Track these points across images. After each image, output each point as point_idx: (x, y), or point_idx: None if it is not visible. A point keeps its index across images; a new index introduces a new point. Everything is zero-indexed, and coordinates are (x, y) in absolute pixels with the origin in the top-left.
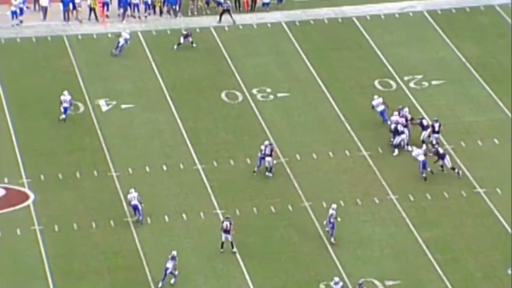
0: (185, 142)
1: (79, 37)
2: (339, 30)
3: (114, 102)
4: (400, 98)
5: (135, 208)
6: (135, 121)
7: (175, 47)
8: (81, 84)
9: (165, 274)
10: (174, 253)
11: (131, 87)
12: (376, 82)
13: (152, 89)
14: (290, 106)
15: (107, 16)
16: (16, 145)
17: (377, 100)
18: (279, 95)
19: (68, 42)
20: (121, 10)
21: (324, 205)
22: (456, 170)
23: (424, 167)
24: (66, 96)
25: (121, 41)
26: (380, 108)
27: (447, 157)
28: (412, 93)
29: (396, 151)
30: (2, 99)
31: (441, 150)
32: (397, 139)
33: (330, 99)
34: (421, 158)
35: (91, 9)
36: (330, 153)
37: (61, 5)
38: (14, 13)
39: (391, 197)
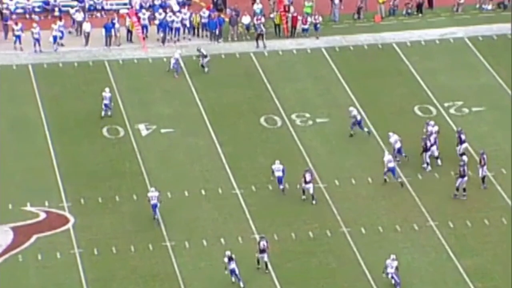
0: (224, 167)
1: (120, 62)
2: (379, 56)
3: (154, 127)
4: (440, 125)
5: (154, 207)
6: (174, 146)
7: (203, 68)
8: (122, 108)
9: (236, 276)
10: (228, 253)
11: (171, 112)
12: (416, 108)
13: (192, 113)
14: (329, 132)
15: (146, 36)
16: (56, 169)
17: (354, 112)
18: (318, 120)
19: (109, 67)
20: (161, 35)
21: (363, 231)
22: (465, 193)
23: (391, 171)
24: (107, 93)
25: (172, 60)
26: (358, 117)
27: (465, 179)
28: (452, 119)
29: (429, 167)
30: (43, 123)
31: (466, 171)
32: (425, 156)
33: (370, 124)
34: (391, 165)
35: (129, 31)
36: (369, 179)
37: (103, 30)
38: (55, 38)
39: (430, 224)
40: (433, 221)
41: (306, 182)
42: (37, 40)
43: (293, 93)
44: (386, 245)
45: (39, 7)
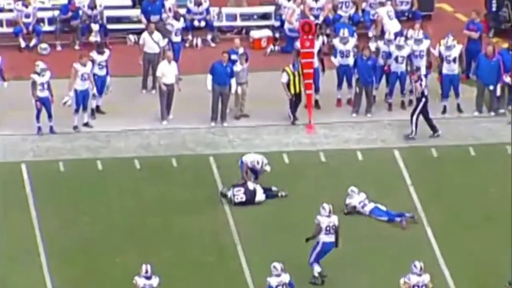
0: None
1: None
2: None
3: None
4: None
5: None
6: None
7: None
8: (242, 259)
9: None
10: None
11: None
12: None
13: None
14: None
15: (316, 103)
16: None
17: (359, 197)
18: None
19: (217, 168)
20: (353, 92)
21: None
22: None
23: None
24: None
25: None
26: (370, 206)
27: None
28: None
29: None
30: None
31: None
32: None
33: None
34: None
35: (299, 97)
36: None
37: (208, 78)
38: (80, 98)
39: None
40: None
41: None
42: (44, 102)
43: None
44: None
45: (51, 20)
